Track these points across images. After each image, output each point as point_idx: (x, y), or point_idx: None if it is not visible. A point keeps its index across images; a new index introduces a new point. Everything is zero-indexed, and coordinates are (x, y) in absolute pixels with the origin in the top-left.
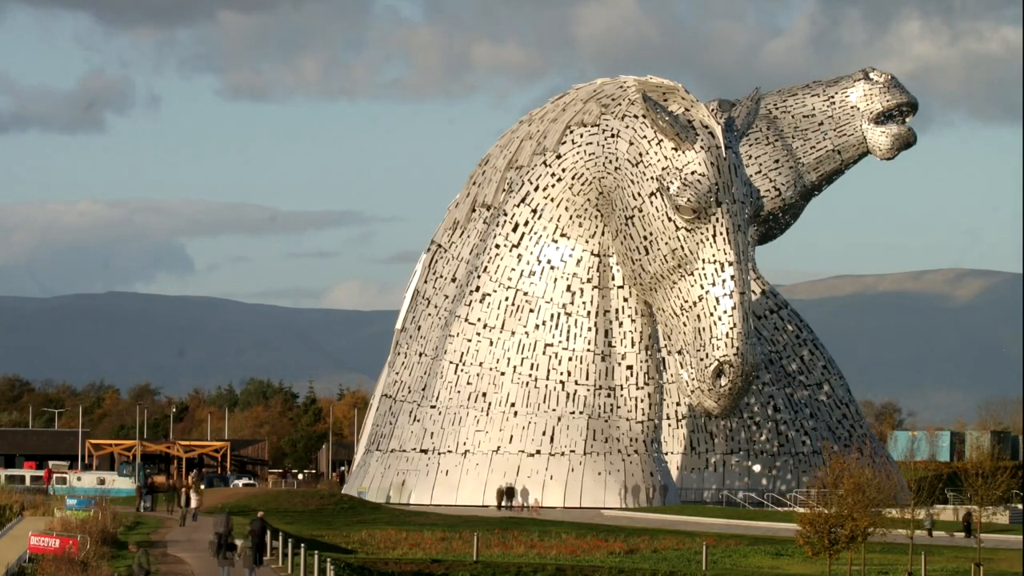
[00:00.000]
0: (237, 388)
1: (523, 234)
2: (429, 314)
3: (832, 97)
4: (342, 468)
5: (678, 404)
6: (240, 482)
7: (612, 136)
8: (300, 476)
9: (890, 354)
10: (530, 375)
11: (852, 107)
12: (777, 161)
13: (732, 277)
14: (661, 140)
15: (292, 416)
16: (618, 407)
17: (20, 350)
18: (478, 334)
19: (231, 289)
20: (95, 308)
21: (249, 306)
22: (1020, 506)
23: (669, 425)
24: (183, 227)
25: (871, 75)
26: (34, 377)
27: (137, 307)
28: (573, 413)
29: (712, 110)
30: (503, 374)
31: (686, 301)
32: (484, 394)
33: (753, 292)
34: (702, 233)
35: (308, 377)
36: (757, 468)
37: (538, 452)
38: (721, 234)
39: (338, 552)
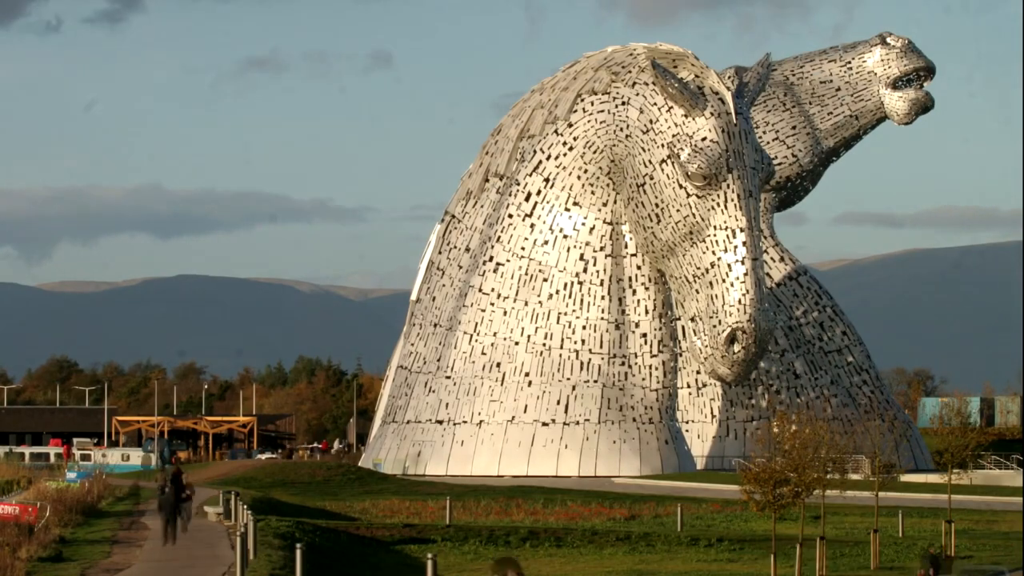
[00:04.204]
0: (287, 366)
1: (536, 203)
2: (443, 285)
3: (849, 63)
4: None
5: (698, 372)
6: (263, 456)
7: (623, 104)
8: (332, 450)
9: (929, 323)
10: (544, 344)
11: (869, 72)
12: (794, 127)
13: (744, 243)
14: (671, 107)
15: (335, 392)
16: (632, 375)
17: (83, 334)
18: (492, 304)
19: (310, 274)
20: (165, 291)
21: (320, 287)
22: None
23: (690, 393)
24: (247, 213)
25: (888, 40)
26: (95, 361)
27: (206, 290)
28: (587, 382)
29: (729, 76)
30: (517, 344)
31: (698, 268)
32: (498, 364)
33: (772, 259)
34: (713, 200)
35: (374, 357)
36: (795, 428)
37: (553, 421)
38: (732, 200)
39: (344, 520)
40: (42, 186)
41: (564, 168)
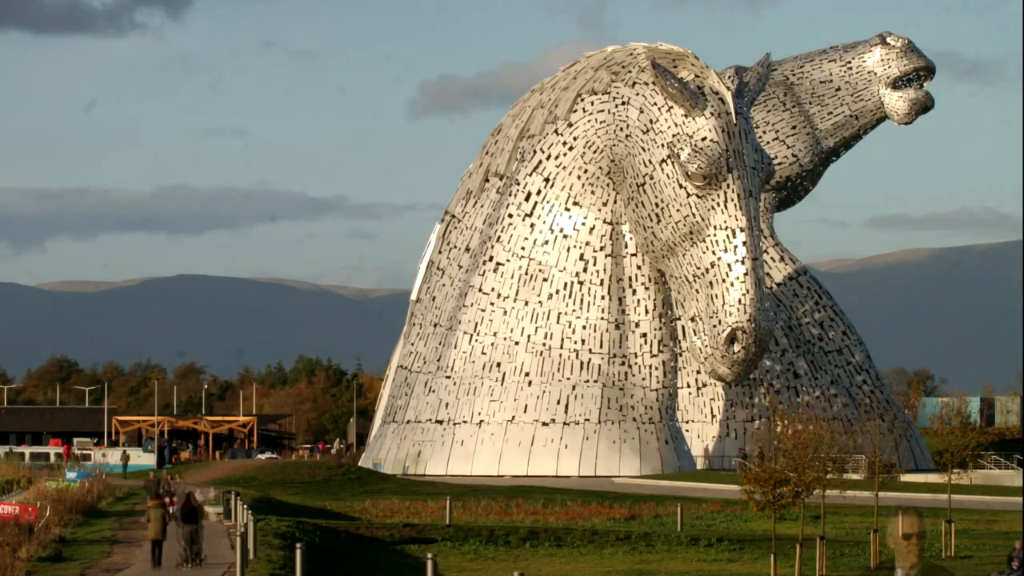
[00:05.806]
0: (287, 366)
1: (536, 203)
2: (443, 284)
3: (849, 62)
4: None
5: (698, 372)
6: (263, 456)
7: (623, 104)
8: (334, 450)
9: (929, 323)
10: (544, 344)
11: (869, 72)
12: (794, 127)
13: (744, 243)
14: (671, 107)
15: (335, 392)
16: (632, 375)
17: (83, 334)
18: (492, 304)
19: (306, 273)
20: (165, 291)
21: (319, 287)
22: None
23: (690, 393)
24: (247, 213)
25: (888, 40)
26: (95, 361)
27: (206, 289)
28: (587, 382)
29: (729, 76)
30: (517, 344)
31: (698, 268)
32: (498, 364)
33: (772, 259)
34: (713, 200)
35: (374, 357)
36: (799, 427)
37: (553, 421)
38: (732, 200)
39: (344, 520)
40: (41, 184)
41: (564, 168)
